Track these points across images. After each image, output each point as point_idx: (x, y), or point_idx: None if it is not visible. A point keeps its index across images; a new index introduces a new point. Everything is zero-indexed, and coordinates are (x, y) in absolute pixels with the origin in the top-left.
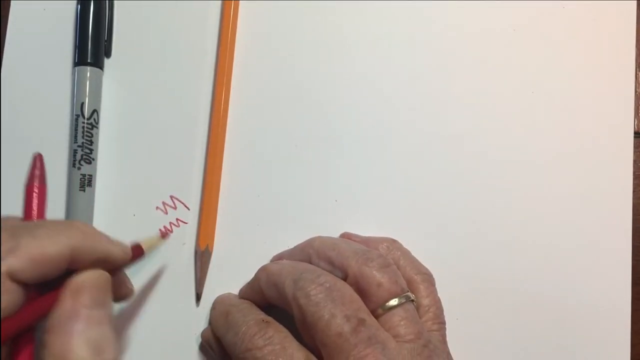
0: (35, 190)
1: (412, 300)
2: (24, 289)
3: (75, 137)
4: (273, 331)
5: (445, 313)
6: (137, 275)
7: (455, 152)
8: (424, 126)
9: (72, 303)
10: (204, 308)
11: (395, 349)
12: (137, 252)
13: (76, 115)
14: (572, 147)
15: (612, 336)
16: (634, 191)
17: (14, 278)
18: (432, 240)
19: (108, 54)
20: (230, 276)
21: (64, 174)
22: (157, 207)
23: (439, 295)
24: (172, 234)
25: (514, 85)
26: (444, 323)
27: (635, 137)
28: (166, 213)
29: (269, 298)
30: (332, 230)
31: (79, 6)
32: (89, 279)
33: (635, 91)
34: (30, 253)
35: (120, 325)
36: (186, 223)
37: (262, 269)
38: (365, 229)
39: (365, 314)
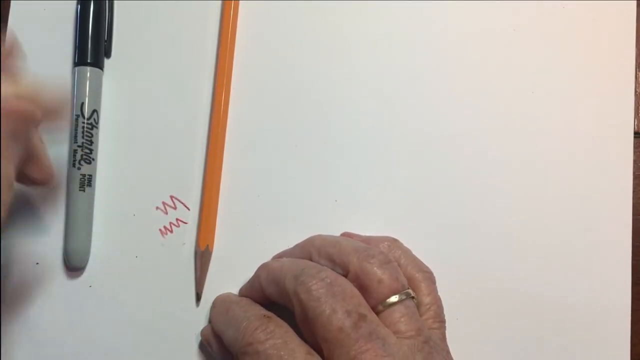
0: None
1: (413, 297)
2: None
3: (75, 137)
4: (274, 326)
5: (445, 313)
6: (137, 275)
7: (455, 152)
8: (424, 126)
9: None
10: (204, 308)
11: (395, 344)
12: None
13: (76, 115)
14: (572, 147)
15: (612, 336)
16: (634, 191)
17: None
18: (432, 240)
19: (108, 54)
20: (230, 276)
21: (64, 174)
22: (157, 207)
23: (439, 294)
24: (171, 234)
25: (514, 85)
26: (444, 322)
27: (635, 137)
28: (166, 213)
29: (270, 295)
30: (332, 230)
31: (79, 6)
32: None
33: (635, 91)
34: None
35: (120, 325)
36: (186, 223)
37: (263, 266)
38: (365, 229)
39: (366, 309)
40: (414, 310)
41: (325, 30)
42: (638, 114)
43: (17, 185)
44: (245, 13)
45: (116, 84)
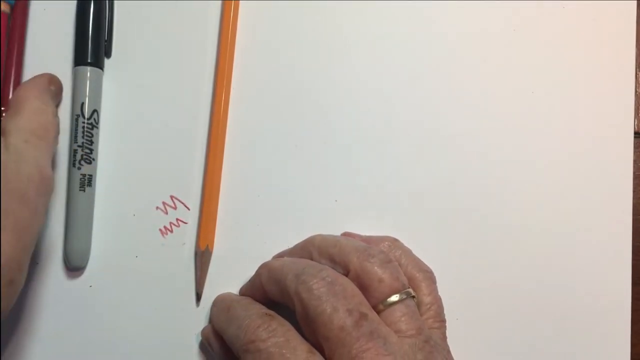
0: None
1: (413, 297)
2: None
3: (75, 137)
4: (276, 324)
5: (445, 313)
6: (137, 275)
7: (455, 152)
8: (424, 126)
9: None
10: (204, 308)
11: (396, 343)
12: None
13: (76, 115)
14: (572, 147)
15: (612, 336)
16: (634, 191)
17: None
18: (432, 240)
19: (108, 54)
20: (230, 276)
21: (64, 174)
22: (157, 207)
23: (439, 294)
24: (172, 234)
25: (514, 85)
26: (444, 321)
27: (635, 137)
28: (166, 213)
29: (270, 294)
30: (332, 230)
31: (78, 6)
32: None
33: (635, 91)
34: None
35: (120, 325)
36: (186, 223)
37: (263, 266)
38: (365, 229)
39: (367, 308)
40: (414, 309)
41: (325, 30)
42: (638, 114)
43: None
44: (245, 13)
45: (116, 84)
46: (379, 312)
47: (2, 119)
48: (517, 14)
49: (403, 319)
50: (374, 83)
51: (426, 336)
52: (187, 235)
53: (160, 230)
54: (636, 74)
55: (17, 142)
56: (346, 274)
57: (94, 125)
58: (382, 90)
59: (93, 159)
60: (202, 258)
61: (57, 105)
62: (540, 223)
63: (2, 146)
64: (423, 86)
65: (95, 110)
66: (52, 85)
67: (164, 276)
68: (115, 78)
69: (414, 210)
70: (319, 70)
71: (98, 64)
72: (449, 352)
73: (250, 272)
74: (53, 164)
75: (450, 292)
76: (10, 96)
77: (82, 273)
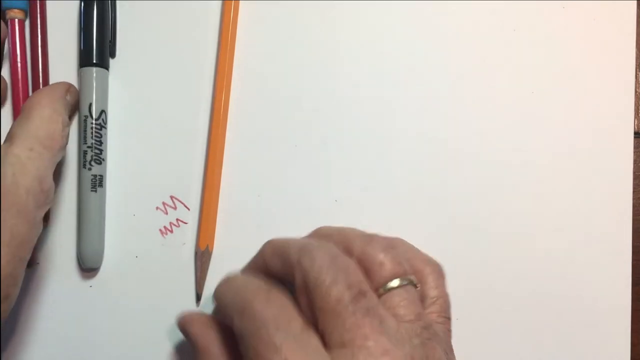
0: None
1: (416, 285)
2: None
3: (85, 138)
4: (275, 295)
5: None
6: (137, 275)
7: (455, 152)
8: (424, 126)
9: None
10: (204, 308)
11: (393, 326)
12: None
13: (84, 116)
14: (572, 147)
15: (612, 336)
16: (634, 191)
17: None
18: (432, 240)
19: (112, 54)
20: None
21: (74, 175)
22: (157, 207)
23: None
24: (171, 234)
25: (514, 85)
26: (449, 318)
27: (635, 137)
28: (166, 213)
29: (272, 269)
30: None
31: (82, 7)
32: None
33: (635, 91)
34: None
35: (120, 325)
36: (186, 223)
37: (268, 242)
38: (365, 229)
39: (367, 287)
40: (414, 296)
41: (326, 30)
42: (638, 114)
43: None
44: (245, 13)
45: (117, 85)
46: (378, 297)
47: (12, 124)
48: (517, 14)
49: (402, 303)
50: (374, 83)
51: (426, 323)
52: (187, 235)
53: (160, 230)
54: (636, 74)
55: (20, 150)
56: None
57: (102, 125)
58: (382, 90)
59: (103, 159)
60: (202, 258)
61: (71, 116)
62: (540, 223)
63: (3, 155)
64: (423, 86)
65: (103, 111)
66: (69, 95)
67: (164, 276)
68: (116, 78)
69: (413, 210)
70: (319, 70)
71: (103, 64)
72: (451, 349)
73: None
74: (62, 166)
75: (450, 293)
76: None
77: (82, 273)
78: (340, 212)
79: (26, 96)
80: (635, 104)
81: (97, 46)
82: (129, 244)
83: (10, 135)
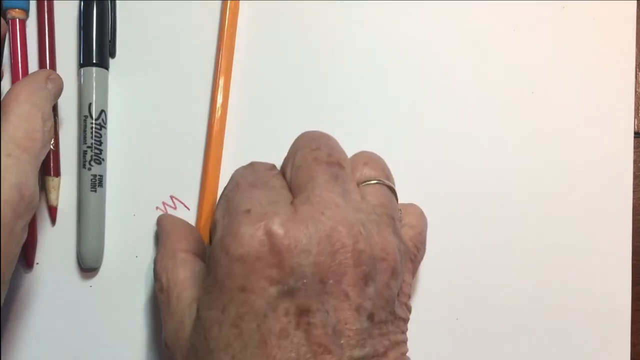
0: None
1: (393, 191)
2: None
3: (84, 138)
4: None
5: (445, 313)
6: (137, 275)
7: (455, 152)
8: (424, 126)
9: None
10: None
11: (355, 198)
12: None
13: (84, 116)
14: (572, 147)
15: (612, 336)
16: (634, 191)
17: None
18: (431, 240)
19: (112, 54)
20: None
21: (74, 175)
22: (157, 207)
23: (439, 296)
24: None
25: (514, 85)
26: (418, 249)
27: (635, 137)
28: (166, 213)
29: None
30: None
31: (81, 7)
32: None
33: (635, 91)
34: None
35: (120, 325)
36: None
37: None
38: None
39: (346, 164)
40: (389, 195)
41: (326, 30)
42: (638, 114)
43: None
44: (245, 13)
45: (117, 85)
46: None
47: None
48: (517, 14)
49: (374, 193)
50: (374, 83)
51: (391, 215)
52: None
53: None
54: (636, 74)
55: None
56: None
57: (102, 125)
58: (382, 90)
59: (103, 159)
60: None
61: (55, 106)
62: (540, 223)
63: None
64: (423, 86)
65: (102, 111)
66: (50, 83)
67: None
68: (116, 78)
69: None
70: (320, 70)
71: (103, 64)
72: (409, 268)
73: None
74: (62, 166)
75: (450, 293)
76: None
77: (82, 273)
78: None
79: None
80: (635, 104)
81: (97, 46)
82: (129, 244)
83: None
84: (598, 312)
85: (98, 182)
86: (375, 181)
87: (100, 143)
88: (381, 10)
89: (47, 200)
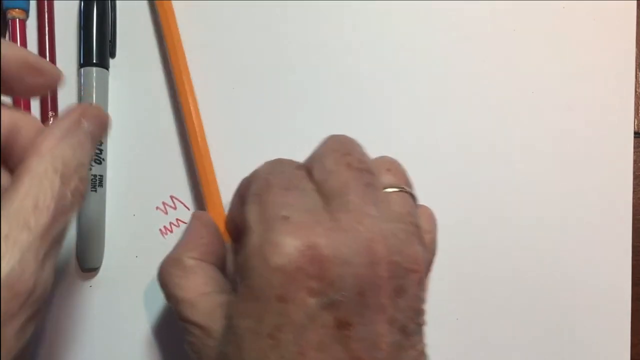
0: None
1: (414, 198)
2: None
3: None
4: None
5: (445, 313)
6: (137, 275)
7: (454, 152)
8: (423, 126)
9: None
10: None
11: (385, 210)
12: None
13: None
14: (572, 147)
15: (612, 336)
16: (634, 191)
17: None
18: None
19: (112, 54)
20: None
21: None
22: (157, 207)
23: (439, 296)
24: (171, 234)
25: (514, 85)
26: (433, 255)
27: (635, 137)
28: (166, 213)
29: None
30: None
31: (82, 7)
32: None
33: (635, 91)
34: None
35: (120, 325)
36: (186, 223)
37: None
38: None
39: (374, 170)
40: (412, 203)
41: (328, 30)
42: (638, 114)
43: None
44: (180, 10)
45: (117, 85)
46: None
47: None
48: (517, 14)
49: (398, 202)
50: (374, 82)
51: (417, 225)
52: None
53: (160, 230)
54: (636, 74)
55: None
56: None
57: None
58: (382, 90)
59: (103, 159)
60: None
61: (94, 147)
62: (540, 223)
63: None
64: (422, 86)
65: None
66: (87, 121)
67: None
68: (116, 78)
69: None
70: (320, 70)
71: (103, 65)
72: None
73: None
74: None
75: (450, 292)
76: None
77: (82, 273)
78: None
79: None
80: (635, 104)
81: (97, 46)
82: (129, 244)
83: None
84: (598, 312)
85: (98, 182)
86: (398, 188)
87: (100, 143)
88: (381, 10)
89: None
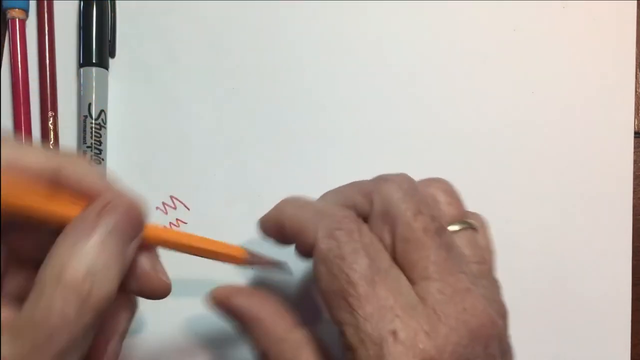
0: None
1: (476, 230)
2: None
3: (84, 138)
4: (363, 225)
5: None
6: None
7: (454, 152)
8: (423, 126)
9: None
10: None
11: (467, 264)
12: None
13: (84, 116)
14: (572, 147)
15: (612, 336)
16: (634, 191)
17: None
18: None
19: (112, 54)
20: None
21: None
22: (157, 207)
23: None
24: None
25: (514, 85)
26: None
27: (635, 137)
28: (166, 213)
29: (345, 200)
30: None
31: (81, 7)
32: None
33: (635, 91)
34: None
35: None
36: (186, 223)
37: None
38: None
39: (444, 222)
40: (477, 240)
41: (330, 30)
42: (638, 114)
43: None
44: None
45: (117, 85)
46: None
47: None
48: (517, 14)
49: (468, 245)
50: (374, 83)
51: (491, 267)
52: None
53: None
54: (636, 74)
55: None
56: None
57: (102, 125)
58: (382, 90)
59: (102, 159)
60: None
61: (132, 251)
62: (540, 223)
63: None
64: (422, 86)
65: (102, 111)
66: (105, 217)
67: None
68: (116, 78)
69: None
70: (320, 70)
71: (103, 65)
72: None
73: (251, 272)
74: None
75: None
76: None
77: None
78: None
79: (26, 97)
80: (635, 104)
81: (97, 46)
82: None
83: (4, 324)
84: (598, 312)
85: None
86: (459, 226)
87: (100, 143)
88: (380, 10)
89: None
